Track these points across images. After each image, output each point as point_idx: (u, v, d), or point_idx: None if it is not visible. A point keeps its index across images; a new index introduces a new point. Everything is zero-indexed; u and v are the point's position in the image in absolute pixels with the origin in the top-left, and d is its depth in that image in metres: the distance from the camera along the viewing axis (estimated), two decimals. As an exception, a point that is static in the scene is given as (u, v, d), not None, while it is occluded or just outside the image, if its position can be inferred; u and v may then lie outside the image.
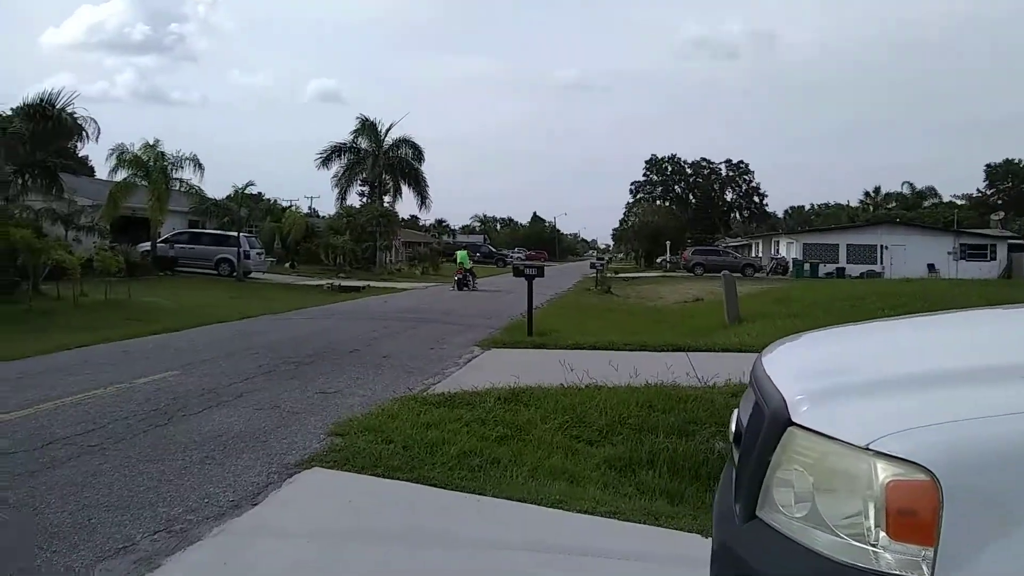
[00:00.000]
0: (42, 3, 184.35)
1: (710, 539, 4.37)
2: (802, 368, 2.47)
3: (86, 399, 8.17)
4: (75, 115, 23.59)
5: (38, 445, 6.31)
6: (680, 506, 5.63)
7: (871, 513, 1.75)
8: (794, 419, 1.97)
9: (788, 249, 56.97)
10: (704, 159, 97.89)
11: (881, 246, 52.20)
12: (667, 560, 4.37)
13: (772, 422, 2.05)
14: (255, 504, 5.11)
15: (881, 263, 51.22)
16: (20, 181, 23.12)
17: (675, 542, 4.63)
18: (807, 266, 48.70)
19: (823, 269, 48.44)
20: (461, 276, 32.52)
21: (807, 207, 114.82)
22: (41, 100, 22.92)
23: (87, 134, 24.38)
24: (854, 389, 2.06)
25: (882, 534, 1.73)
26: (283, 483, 5.53)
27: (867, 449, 1.77)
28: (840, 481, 1.85)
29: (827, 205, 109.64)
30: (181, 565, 4.11)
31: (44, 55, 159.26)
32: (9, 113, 23.33)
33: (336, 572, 4.13)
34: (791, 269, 50.51)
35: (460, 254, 35.16)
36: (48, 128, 22.80)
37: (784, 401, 2.06)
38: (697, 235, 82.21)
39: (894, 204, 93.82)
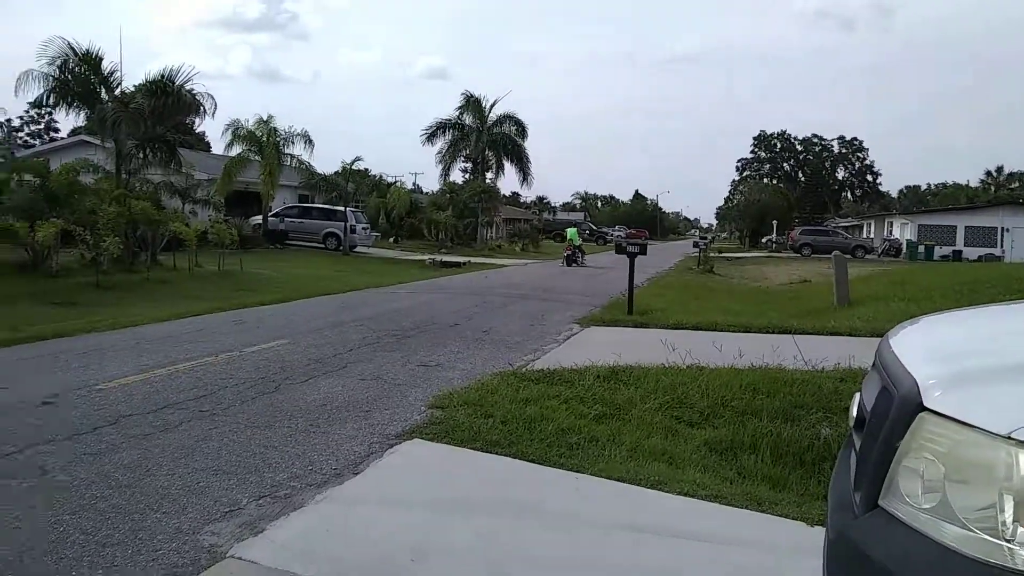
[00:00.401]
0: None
1: (815, 527, 4.24)
2: (935, 350, 2.31)
3: (198, 366, 8.47)
4: (193, 91, 24.39)
5: (152, 409, 6.58)
6: (783, 492, 5.44)
7: (1008, 506, 1.62)
8: (926, 404, 1.84)
9: (902, 230, 54.64)
10: (815, 135, 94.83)
11: (1002, 228, 49.53)
12: (768, 546, 4.23)
13: (901, 407, 1.92)
14: (357, 473, 5.19)
15: (1001, 246, 48.64)
16: (141, 155, 24.12)
17: (777, 528, 4.48)
18: (921, 248, 46.68)
19: (938, 252, 46.34)
20: (571, 252, 32.91)
21: (923, 187, 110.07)
22: (161, 76, 23.79)
23: (204, 110, 25.18)
24: (992, 374, 1.90)
25: (1020, 529, 1.60)
26: (384, 453, 5.60)
27: (1009, 438, 1.63)
28: (975, 471, 1.71)
29: (944, 185, 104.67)
30: (284, 530, 4.20)
31: (165, 33, 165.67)
32: (131, 89, 24.31)
33: (436, 541, 4.14)
34: (904, 251, 48.52)
35: (570, 231, 35.96)
36: (168, 104, 23.64)
37: (916, 385, 1.92)
38: (805, 215, 79.76)
39: (1017, 184, 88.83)
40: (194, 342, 9.99)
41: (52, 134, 62.89)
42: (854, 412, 2.43)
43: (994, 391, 1.80)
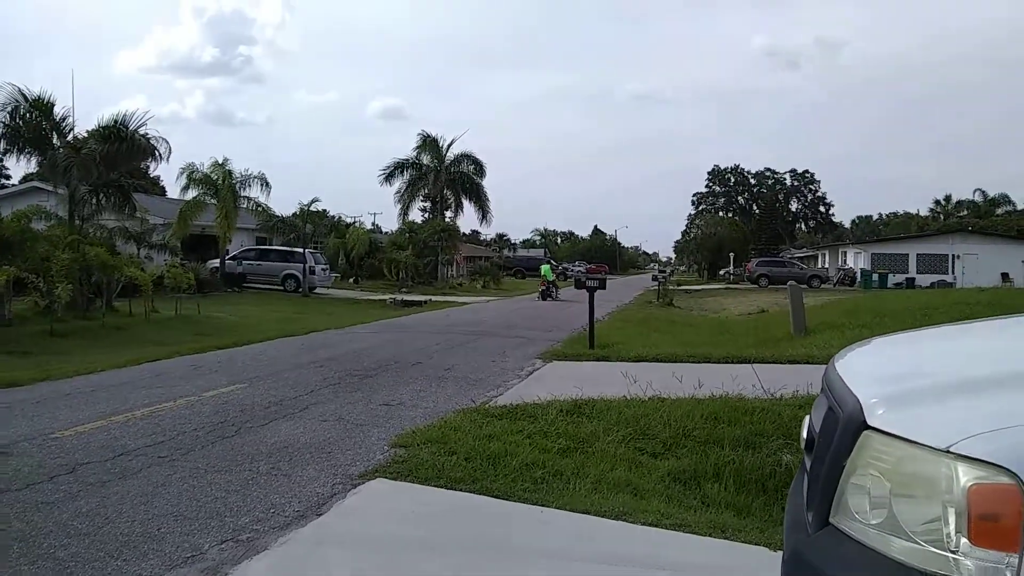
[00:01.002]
0: (116, 28, 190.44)
1: (779, 552, 4.29)
2: (877, 371, 2.39)
3: (156, 412, 8.36)
4: (147, 136, 24.24)
5: (110, 456, 6.47)
6: (747, 519, 5.50)
7: (952, 519, 1.68)
8: (870, 423, 1.91)
9: (856, 259, 55.68)
10: (768, 169, 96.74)
11: (953, 255, 50.76)
12: (733, 572, 4.27)
13: (847, 426, 1.99)
14: (320, 514, 5.15)
15: (952, 273, 49.78)
16: (95, 200, 23.86)
17: (742, 555, 4.53)
18: (875, 276, 47.51)
19: (892, 279, 47.20)
20: (545, 288, 34.50)
21: (875, 216, 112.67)
22: (115, 122, 23.63)
23: (159, 154, 25.03)
24: (932, 392, 1.98)
25: (963, 540, 1.66)
26: (347, 494, 5.57)
27: (948, 452, 1.70)
28: (919, 486, 1.78)
29: (896, 214, 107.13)
30: (248, 574, 4.15)
31: (118, 77, 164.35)
32: (84, 135, 24.09)
33: (401, 581, 4.12)
34: (859, 280, 49.37)
35: (544, 268, 38.88)
36: (121, 149, 23.45)
37: (860, 404, 1.99)
38: (761, 246, 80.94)
39: (966, 212, 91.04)
40: (151, 388, 9.86)
41: (3, 181, 61.89)
42: (804, 434, 2.50)
43: (933, 408, 1.88)
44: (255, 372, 11.33)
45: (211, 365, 12.18)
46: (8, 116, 22.41)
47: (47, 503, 5.27)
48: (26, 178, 39.33)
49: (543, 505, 5.34)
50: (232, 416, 8.13)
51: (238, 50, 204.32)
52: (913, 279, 48.65)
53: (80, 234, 21.77)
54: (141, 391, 9.61)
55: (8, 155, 24.71)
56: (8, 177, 61.70)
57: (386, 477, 5.93)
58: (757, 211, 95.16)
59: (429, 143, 50.56)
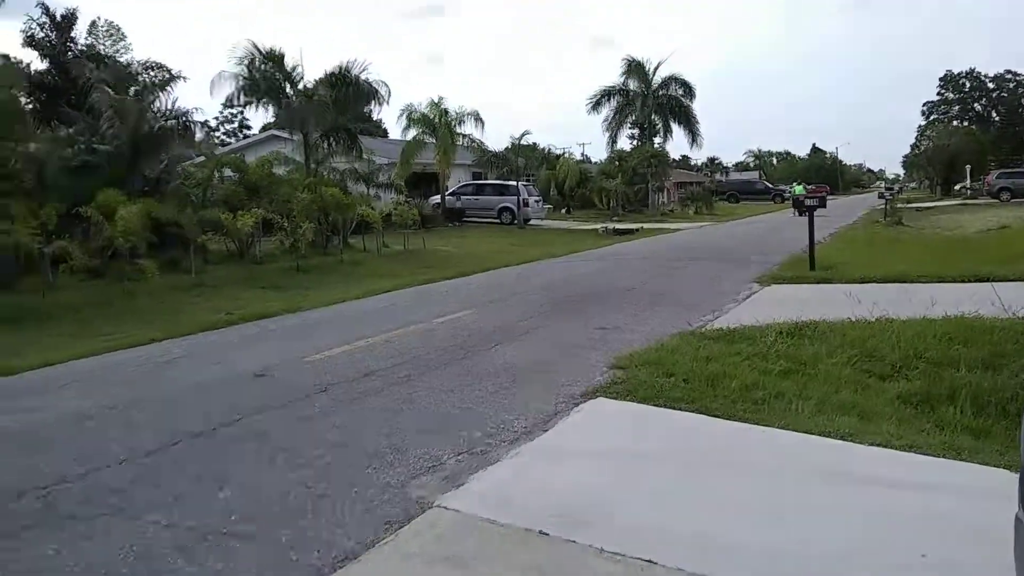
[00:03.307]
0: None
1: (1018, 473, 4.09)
2: None
3: (394, 337, 9.05)
4: (369, 80, 25.59)
5: (355, 377, 7.14)
6: (985, 442, 5.23)
7: None
8: None
9: (1118, 165, 49.43)
10: (1009, 71, 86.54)
11: None
12: (968, 493, 4.12)
13: None
14: (546, 430, 5.46)
15: None
16: (326, 145, 25.56)
17: (979, 476, 4.35)
18: None
19: None
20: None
21: None
22: (340, 69, 25.10)
23: (381, 96, 26.35)
24: None
25: None
26: (571, 411, 5.85)
27: None
28: None
29: None
30: (483, 483, 4.51)
31: (329, 30, 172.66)
32: (314, 83, 25.71)
33: (628, 491, 4.33)
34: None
35: (797, 188, 37.52)
36: (347, 94, 24.94)
37: None
38: (1002, 157, 73.41)
39: None
40: (387, 316, 10.64)
41: (245, 131, 67.35)
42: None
43: None
44: (479, 300, 11.91)
45: (439, 294, 12.92)
46: (246, 69, 24.32)
47: (305, 418, 5.94)
48: (265, 127, 42.57)
49: (765, 425, 5.36)
50: (461, 340, 8.66)
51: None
52: None
53: (316, 176, 23.41)
54: (379, 319, 10.40)
55: (248, 106, 26.89)
56: (249, 127, 67.16)
57: (607, 396, 6.16)
58: (997, 118, 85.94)
59: (635, 68, 49.51)
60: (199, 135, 26.38)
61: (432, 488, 4.46)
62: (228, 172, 22.11)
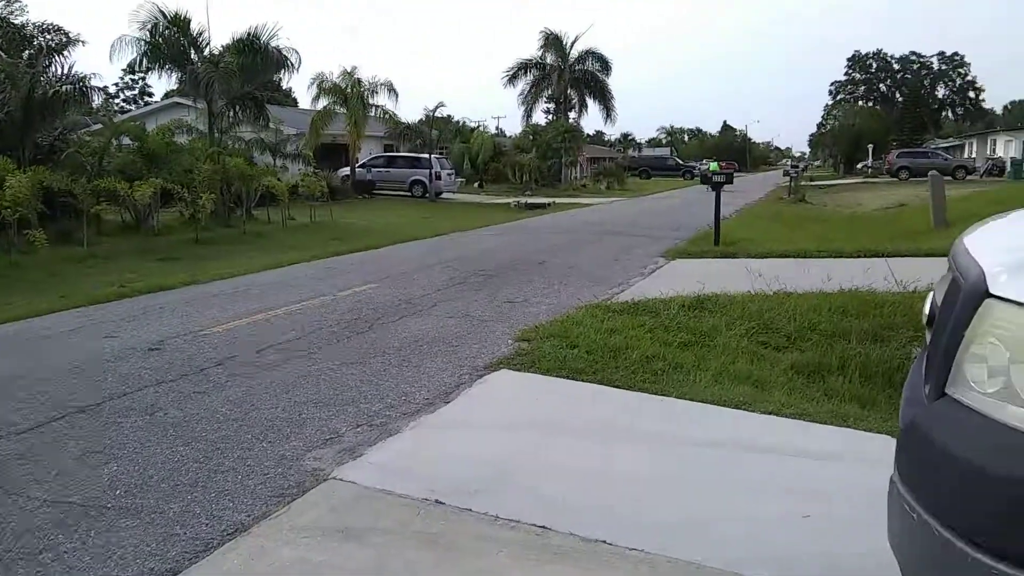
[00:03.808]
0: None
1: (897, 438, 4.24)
2: (1004, 242, 2.31)
3: (296, 310, 8.85)
4: (279, 47, 24.85)
5: (254, 350, 6.93)
6: (871, 411, 5.42)
7: None
8: (992, 290, 1.87)
9: (1006, 148, 51.83)
10: (913, 53, 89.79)
11: (1119, 140, 46.61)
12: (854, 459, 4.26)
13: (968, 295, 1.95)
14: (448, 402, 5.41)
15: (1117, 161, 45.75)
16: (231, 113, 24.76)
17: (863, 442, 4.50)
18: (1027, 166, 44.23)
19: (1046, 169, 43.84)
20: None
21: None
22: (248, 35, 24.28)
23: (290, 64, 25.60)
24: None
25: None
26: (474, 383, 5.81)
27: None
28: None
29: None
30: (381, 454, 4.44)
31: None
32: (221, 49, 24.87)
33: (524, 461, 4.32)
34: (1009, 170, 46.10)
35: (712, 164, 38.73)
36: (255, 61, 24.17)
37: (983, 273, 1.94)
38: (904, 137, 76.29)
39: None
40: (289, 289, 10.39)
41: (146, 98, 64.96)
42: (927, 310, 2.46)
43: None
44: (386, 273, 11.74)
45: (344, 267, 12.69)
46: (149, 34, 23.32)
47: (199, 392, 5.73)
48: (167, 94, 41.06)
49: (663, 395, 5.42)
50: (365, 313, 8.52)
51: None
52: (1071, 168, 45.04)
53: (220, 146, 22.71)
54: (280, 292, 10.14)
55: (150, 72, 25.79)
56: (151, 94, 64.78)
57: (510, 368, 6.14)
58: (900, 99, 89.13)
59: (553, 41, 49.44)
60: (97, 101, 25.20)
61: (328, 460, 4.37)
62: (127, 140, 21.22)
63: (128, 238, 17.33)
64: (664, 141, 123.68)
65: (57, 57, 20.64)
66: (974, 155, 59.18)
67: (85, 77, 19.67)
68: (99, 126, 22.62)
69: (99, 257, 14.68)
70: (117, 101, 65.46)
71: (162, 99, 44.06)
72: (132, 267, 13.62)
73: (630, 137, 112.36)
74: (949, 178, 34.52)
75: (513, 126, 77.86)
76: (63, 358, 6.84)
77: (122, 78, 65.21)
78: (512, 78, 50.26)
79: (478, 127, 54.27)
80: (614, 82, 52.34)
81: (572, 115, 51.25)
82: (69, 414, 5.25)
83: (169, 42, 23.69)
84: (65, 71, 19.77)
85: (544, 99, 52.17)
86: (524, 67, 50.20)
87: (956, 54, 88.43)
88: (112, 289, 10.70)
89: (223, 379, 6.05)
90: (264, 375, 6.15)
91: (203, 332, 7.77)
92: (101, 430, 4.94)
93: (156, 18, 23.12)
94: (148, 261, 14.44)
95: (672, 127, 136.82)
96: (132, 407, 5.39)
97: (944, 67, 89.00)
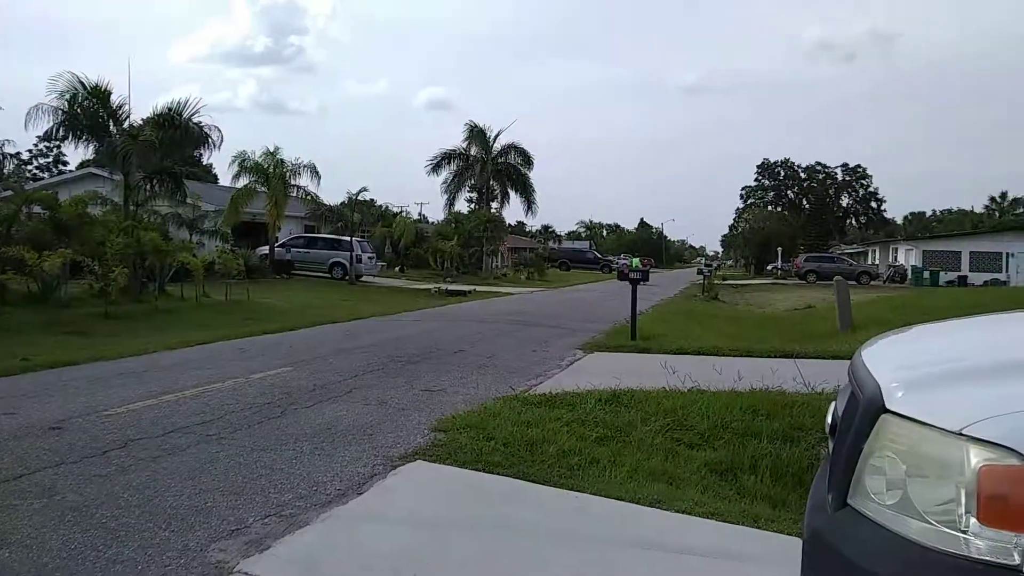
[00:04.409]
0: (170, 19, 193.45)
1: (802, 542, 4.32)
2: (899, 358, 2.44)
3: (205, 392, 8.60)
4: (200, 124, 24.77)
5: (160, 433, 6.70)
6: (782, 511, 5.51)
7: (963, 499, 1.73)
8: (888, 406, 1.97)
9: (907, 256, 54.70)
10: (819, 163, 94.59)
11: (1007, 253, 49.57)
12: (765, 560, 4.31)
13: (866, 410, 2.05)
14: (360, 493, 5.29)
15: (1007, 271, 48.64)
16: (148, 187, 24.42)
17: (774, 543, 4.56)
18: (927, 274, 46.64)
19: (944, 277, 46.32)
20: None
21: (928, 213, 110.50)
22: (169, 109, 24.18)
23: (212, 141, 25.53)
24: (949, 377, 2.03)
25: (973, 520, 1.71)
26: (388, 474, 5.71)
27: (960, 434, 1.75)
28: (932, 467, 1.83)
29: (949, 211, 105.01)
30: (289, 547, 4.30)
31: (171, 67, 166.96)
32: (140, 122, 24.64)
33: (437, 557, 4.24)
34: (910, 277, 48.52)
35: (634, 261, 39.29)
36: (176, 136, 24.03)
37: (879, 388, 2.05)
38: (810, 241, 79.71)
39: (1021, 210, 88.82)
40: (201, 369, 10.13)
41: (61, 167, 63.53)
42: (829, 420, 2.56)
43: (948, 392, 1.93)
44: (301, 356, 11.56)
45: (259, 349, 12.45)
46: (67, 104, 22.99)
47: (100, 476, 5.48)
48: (83, 164, 40.27)
49: (579, 491, 5.42)
50: (278, 398, 8.33)
51: (289, 39, 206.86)
52: (965, 277, 47.66)
53: (135, 219, 22.30)
54: (191, 372, 9.87)
55: (66, 141, 25.37)
56: (66, 163, 63.37)
57: (425, 459, 6.06)
58: (807, 206, 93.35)
59: (476, 134, 50.63)
60: (8, 168, 24.59)
61: (234, 552, 4.20)
62: (37, 209, 20.68)
63: (34, 309, 16.69)
64: (583, 235, 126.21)
65: (-32, 123, 20.15)
66: (877, 261, 62.13)
67: (-3, 144, 19.21)
68: (8, 193, 22.00)
69: (1, 328, 14.08)
70: (30, 168, 63.89)
71: (77, 168, 43.23)
72: (37, 340, 13.10)
73: (551, 229, 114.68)
74: (854, 283, 36.12)
75: (436, 213, 78.49)
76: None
77: (36, 146, 63.79)
78: (436, 167, 51.14)
79: (401, 212, 54.77)
80: (536, 175, 53.64)
81: (495, 205, 52.19)
82: (-43, 496, 4.95)
83: (88, 112, 23.44)
84: (-25, 137, 19.29)
85: (467, 188, 53.12)
86: (448, 156, 51.15)
87: (859, 166, 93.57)
88: (14, 362, 10.27)
89: (127, 463, 5.81)
90: (170, 460, 5.93)
91: (108, 412, 7.48)
92: (-8, 515, 4.67)
93: (75, 88, 22.90)
94: (55, 334, 13.95)
95: (591, 221, 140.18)
96: (28, 490, 5.12)
97: (848, 178, 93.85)
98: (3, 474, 5.44)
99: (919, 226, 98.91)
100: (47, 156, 66.71)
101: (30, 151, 64.94)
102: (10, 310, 16.23)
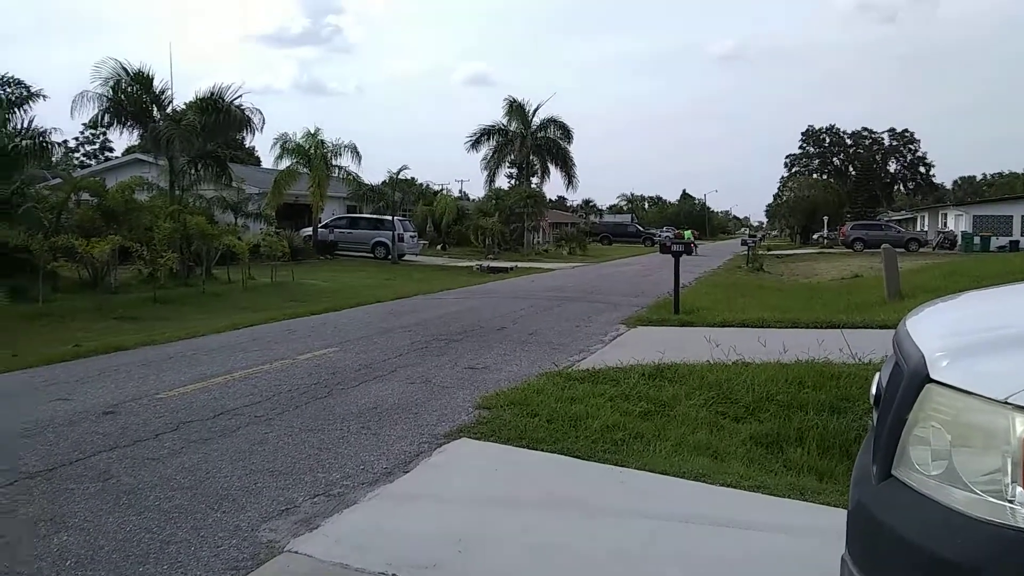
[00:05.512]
0: (213, 3, 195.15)
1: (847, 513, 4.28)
2: (944, 327, 2.41)
3: (254, 374, 8.75)
4: (242, 107, 25.03)
5: (210, 415, 6.84)
6: (829, 483, 5.46)
7: (1009, 468, 1.72)
8: (932, 376, 1.94)
9: (956, 222, 53.51)
10: (865, 129, 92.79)
11: (1060, 217, 48.28)
12: (811, 532, 4.28)
13: (910, 380, 2.02)
14: (406, 471, 5.36)
15: (1060, 235, 47.37)
16: (193, 171, 24.74)
17: (821, 515, 4.52)
18: (977, 239, 45.55)
19: (995, 243, 45.16)
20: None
21: (978, 177, 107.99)
22: (211, 94, 24.46)
23: (254, 124, 25.80)
24: (994, 345, 2.00)
25: (1020, 489, 1.69)
26: (433, 452, 5.77)
27: (1006, 403, 1.73)
28: (978, 437, 1.81)
29: (1001, 175, 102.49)
30: (338, 526, 4.38)
31: (212, 51, 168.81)
32: (183, 107, 24.94)
33: (483, 535, 4.28)
34: (959, 243, 47.47)
35: (686, 233, 39.73)
36: (218, 120, 24.30)
37: (923, 358, 2.02)
38: (857, 209, 78.44)
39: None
40: (249, 351, 10.29)
41: (107, 153, 64.59)
42: (873, 391, 2.53)
43: (994, 360, 1.90)
44: (346, 336, 11.68)
45: (305, 330, 12.60)
46: (111, 90, 23.36)
47: (153, 459, 5.62)
48: (129, 150, 40.98)
49: (623, 466, 5.43)
50: (324, 378, 8.45)
51: (327, 19, 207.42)
52: (1017, 242, 46.47)
53: (180, 204, 22.62)
54: (239, 354, 10.04)
55: (112, 128, 25.77)
56: (112, 150, 64.42)
57: (470, 437, 6.11)
58: (853, 173, 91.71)
59: (515, 108, 50.36)
60: (56, 156, 25.07)
61: (284, 531, 4.29)
62: (86, 196, 21.08)
63: (85, 296, 17.08)
64: (625, 208, 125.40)
65: (17, 111, 20.59)
66: (926, 228, 60.93)
67: (45, 131, 19.62)
68: (58, 180, 22.44)
69: (54, 315, 14.47)
70: (77, 156, 65.03)
71: (123, 155, 43.97)
72: (89, 325, 13.42)
73: (592, 203, 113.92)
74: (902, 250, 35.49)
75: (476, 190, 78.57)
76: (11, 423, 6.68)
77: (83, 133, 64.86)
78: (475, 143, 51.03)
79: (442, 190, 54.77)
80: (575, 149, 53.48)
81: (535, 180, 52.00)
82: (19, 481, 5.11)
83: (131, 99, 23.77)
84: (25, 125, 19.71)
85: (507, 164, 52.98)
86: (487, 132, 50.99)
87: (906, 131, 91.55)
88: (67, 348, 10.53)
89: (178, 445, 5.94)
90: (220, 442, 6.05)
91: (159, 396, 7.65)
92: (52, 498, 4.81)
93: (119, 74, 23.22)
94: (105, 319, 14.25)
95: (633, 194, 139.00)
96: (84, 474, 5.27)
97: (895, 143, 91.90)
98: (60, 459, 5.60)
99: (969, 191, 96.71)
100: (93, 143, 67.78)
101: (76, 138, 66.08)
102: (62, 297, 16.62)
